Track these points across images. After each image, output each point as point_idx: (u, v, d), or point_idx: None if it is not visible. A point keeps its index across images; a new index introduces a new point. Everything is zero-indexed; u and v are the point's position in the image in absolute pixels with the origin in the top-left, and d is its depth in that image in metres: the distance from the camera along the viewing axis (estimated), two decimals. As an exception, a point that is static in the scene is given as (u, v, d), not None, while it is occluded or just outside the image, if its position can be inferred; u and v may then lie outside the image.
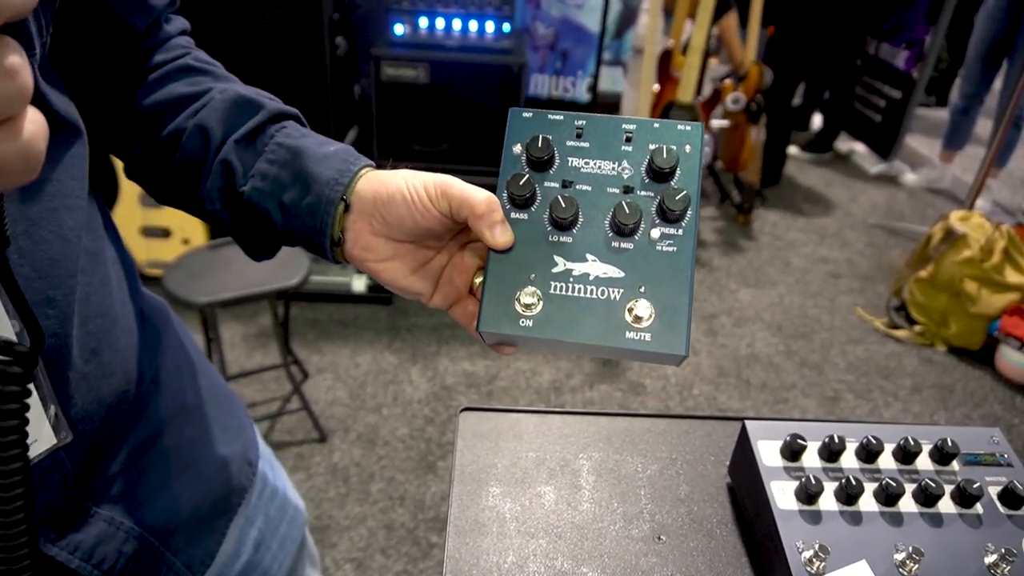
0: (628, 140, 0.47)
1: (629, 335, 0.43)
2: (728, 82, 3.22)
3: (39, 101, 0.41)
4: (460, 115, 2.38)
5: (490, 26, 2.28)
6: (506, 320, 0.44)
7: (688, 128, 0.47)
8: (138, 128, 0.54)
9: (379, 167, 0.51)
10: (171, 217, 2.49)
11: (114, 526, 0.49)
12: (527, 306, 0.44)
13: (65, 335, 0.43)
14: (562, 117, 0.48)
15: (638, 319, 0.43)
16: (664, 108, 2.99)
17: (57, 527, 0.45)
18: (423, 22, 2.28)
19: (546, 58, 3.09)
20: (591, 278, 0.44)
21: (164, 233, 2.51)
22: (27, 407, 0.30)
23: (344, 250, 0.50)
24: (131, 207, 2.45)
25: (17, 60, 0.22)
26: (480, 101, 2.34)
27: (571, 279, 0.44)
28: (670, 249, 0.44)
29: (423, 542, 1.77)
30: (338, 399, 2.21)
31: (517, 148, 0.48)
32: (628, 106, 4.23)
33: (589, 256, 0.45)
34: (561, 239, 0.45)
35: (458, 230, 0.49)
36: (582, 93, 3.13)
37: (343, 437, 2.07)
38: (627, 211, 0.44)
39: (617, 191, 0.46)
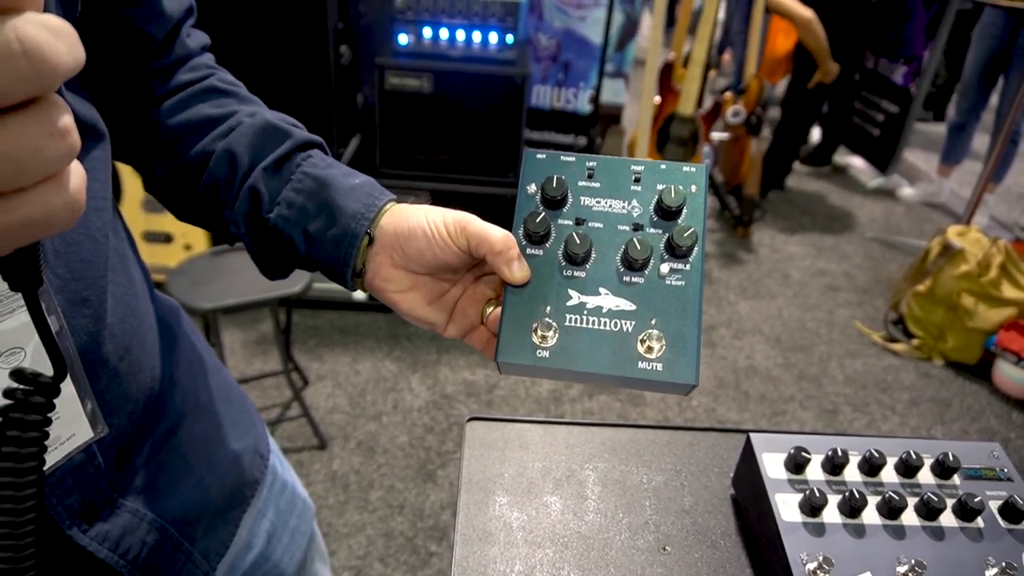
0: (637, 180, 0.49)
1: (641, 365, 0.44)
2: (728, 95, 3.24)
3: None
4: (463, 125, 2.39)
5: (493, 37, 2.30)
6: (523, 351, 0.46)
7: (692, 170, 0.49)
8: (162, 147, 0.55)
9: (402, 201, 0.53)
10: (173, 223, 2.49)
11: (138, 517, 0.51)
12: (543, 337, 0.46)
13: (98, 333, 0.45)
14: (574, 159, 0.50)
15: (650, 350, 0.45)
16: (665, 120, 3.01)
17: (87, 517, 0.46)
18: (427, 32, 2.30)
19: (548, 69, 3.11)
20: (604, 311, 0.46)
21: (166, 238, 2.51)
22: (47, 435, 0.32)
23: (364, 280, 0.52)
24: (133, 212, 2.46)
25: (68, 121, 0.23)
26: (483, 111, 2.36)
27: (585, 311, 0.46)
28: (679, 283, 0.46)
29: (422, 551, 1.77)
30: (338, 406, 2.21)
31: (532, 187, 0.50)
32: (629, 117, 4.26)
33: (602, 290, 0.47)
34: (575, 273, 0.47)
35: (474, 264, 0.51)
36: (584, 104, 3.15)
37: (343, 445, 2.07)
38: (638, 247, 0.46)
39: (627, 228, 0.48)
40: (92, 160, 0.45)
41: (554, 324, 0.46)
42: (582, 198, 0.49)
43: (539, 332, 0.46)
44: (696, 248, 0.47)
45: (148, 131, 0.55)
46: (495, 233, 0.47)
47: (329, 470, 1.99)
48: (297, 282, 1.82)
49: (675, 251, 0.46)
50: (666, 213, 0.47)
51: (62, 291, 0.41)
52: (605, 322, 0.46)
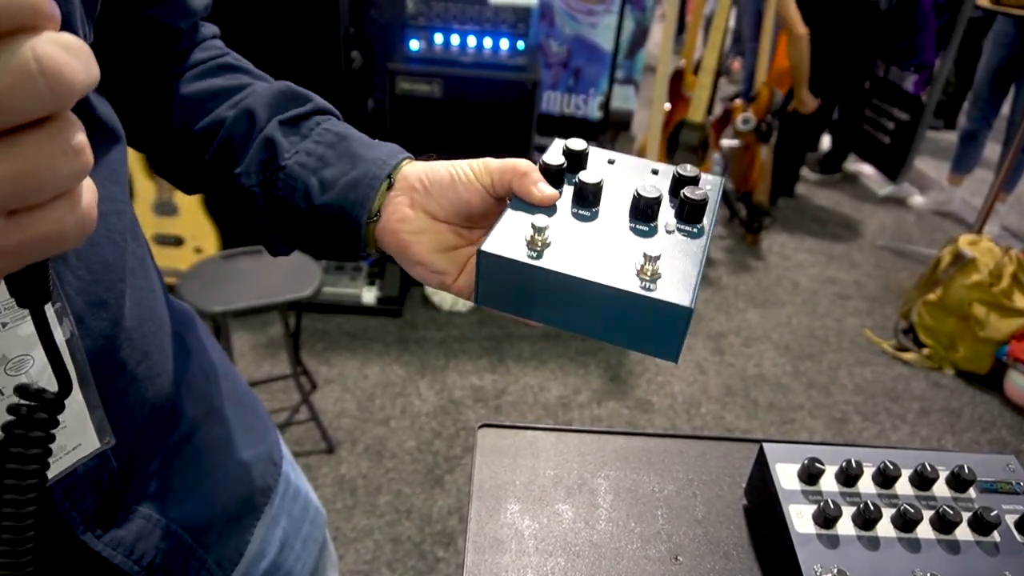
0: (655, 173, 0.51)
1: (637, 281, 0.41)
2: (739, 102, 3.24)
3: (86, 110, 0.43)
4: (473, 130, 2.40)
5: (504, 43, 2.31)
6: (513, 246, 0.43)
7: (709, 176, 0.50)
8: (176, 120, 0.55)
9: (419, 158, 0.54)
10: (184, 226, 2.51)
11: (152, 523, 0.51)
12: (536, 242, 0.43)
13: (115, 336, 0.45)
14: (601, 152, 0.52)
15: (645, 272, 0.42)
16: (675, 127, 3.01)
17: (102, 523, 0.46)
18: (438, 38, 2.31)
19: (559, 75, 3.11)
20: (606, 239, 0.44)
21: (177, 242, 2.53)
22: (50, 451, 0.32)
23: (377, 225, 0.50)
24: (144, 215, 2.47)
25: (82, 138, 0.24)
26: (493, 117, 2.37)
27: (586, 237, 0.44)
28: (684, 237, 0.45)
29: (429, 556, 1.77)
30: (346, 410, 2.22)
31: (560, 145, 0.50)
32: (639, 124, 4.26)
33: (606, 226, 0.46)
34: (581, 211, 0.46)
35: (495, 213, 0.49)
36: (594, 111, 3.15)
37: (351, 449, 2.08)
38: (648, 194, 0.45)
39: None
40: (111, 162, 0.46)
41: (550, 234, 0.44)
42: (601, 167, 0.50)
43: (534, 237, 0.43)
44: (706, 218, 0.46)
45: (162, 109, 0.56)
46: (518, 160, 0.47)
47: (337, 474, 1.99)
48: (307, 285, 1.82)
49: (685, 214, 0.46)
50: (681, 182, 0.47)
51: (82, 293, 0.41)
52: (605, 245, 0.44)
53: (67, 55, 0.21)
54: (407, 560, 1.76)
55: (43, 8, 0.21)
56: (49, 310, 0.38)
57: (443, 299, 2.70)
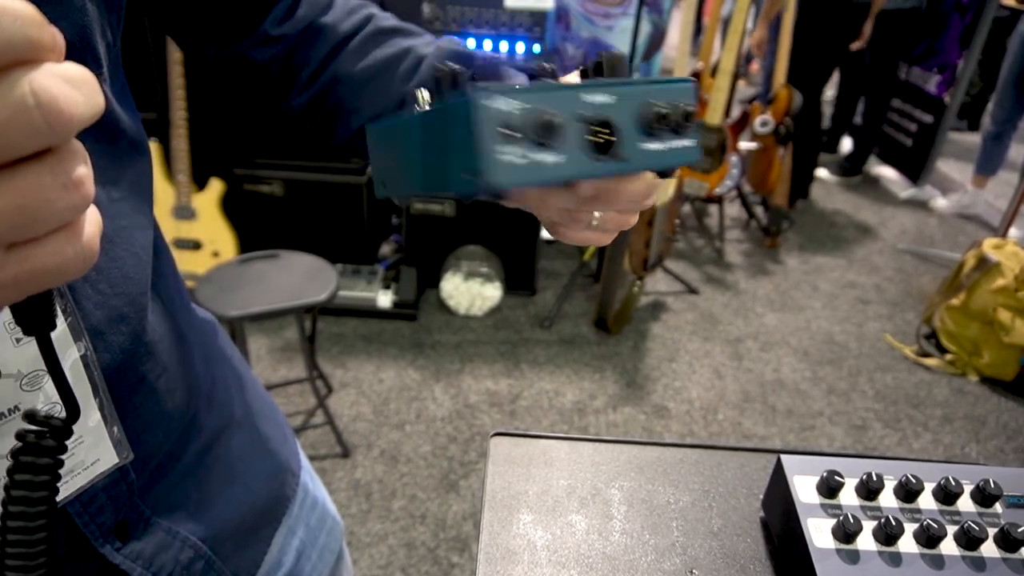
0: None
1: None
2: (756, 104, 3.21)
3: (111, 123, 0.42)
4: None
5: (520, 47, 2.31)
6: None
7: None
8: (348, 92, 0.56)
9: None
10: (202, 230, 2.53)
11: (171, 535, 0.50)
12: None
13: (135, 351, 0.44)
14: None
15: None
16: (692, 130, 2.98)
17: (121, 535, 0.46)
18: (454, 43, 2.31)
19: (574, 79, 3.10)
20: None
21: (195, 245, 2.55)
22: (59, 476, 0.32)
23: None
24: (163, 219, 2.49)
25: (84, 171, 0.23)
26: (509, 121, 2.36)
27: None
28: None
29: (443, 562, 1.76)
30: (361, 414, 2.22)
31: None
32: (655, 127, 4.23)
33: None
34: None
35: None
36: (610, 114, 3.14)
37: (366, 453, 2.08)
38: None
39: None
40: (136, 175, 0.45)
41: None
42: None
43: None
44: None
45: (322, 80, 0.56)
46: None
47: (352, 478, 1.99)
48: (323, 290, 1.83)
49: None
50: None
51: (101, 306, 0.41)
52: None
53: (67, 87, 0.21)
54: (421, 566, 1.75)
55: (42, 40, 0.20)
56: (61, 326, 0.38)
57: (458, 303, 2.70)
